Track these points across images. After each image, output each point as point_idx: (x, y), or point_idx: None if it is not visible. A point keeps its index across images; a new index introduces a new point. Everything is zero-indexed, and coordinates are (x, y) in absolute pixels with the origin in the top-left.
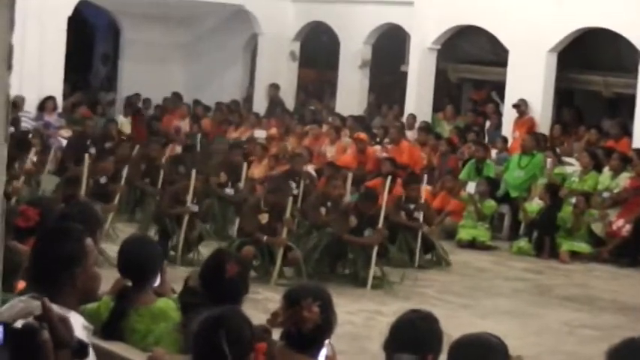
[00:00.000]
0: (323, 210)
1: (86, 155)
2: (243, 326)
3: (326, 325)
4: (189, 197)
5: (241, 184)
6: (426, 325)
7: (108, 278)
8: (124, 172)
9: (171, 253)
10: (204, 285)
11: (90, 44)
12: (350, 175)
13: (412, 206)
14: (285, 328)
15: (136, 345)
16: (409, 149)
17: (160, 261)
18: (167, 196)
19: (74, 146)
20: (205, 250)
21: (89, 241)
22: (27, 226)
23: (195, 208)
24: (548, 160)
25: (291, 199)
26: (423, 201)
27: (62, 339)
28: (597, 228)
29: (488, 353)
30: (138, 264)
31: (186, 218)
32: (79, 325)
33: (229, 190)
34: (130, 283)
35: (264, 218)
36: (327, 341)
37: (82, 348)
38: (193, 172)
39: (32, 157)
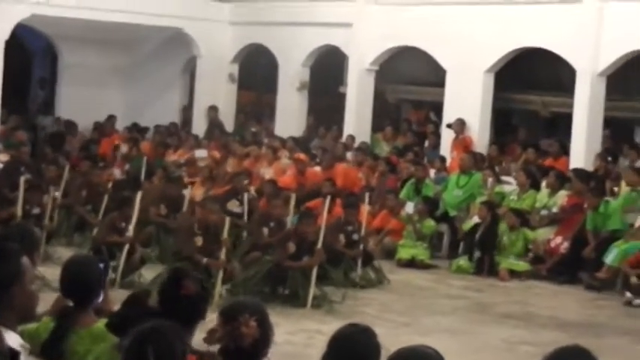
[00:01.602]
0: (266, 230)
1: (21, 178)
2: (173, 341)
3: (264, 339)
4: (134, 221)
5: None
6: (365, 338)
7: (47, 302)
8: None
9: (112, 275)
10: (160, 302)
11: (27, 68)
12: (293, 196)
13: (350, 228)
14: (223, 345)
15: None
16: (344, 172)
17: (102, 281)
18: (104, 225)
19: (9, 172)
20: (148, 272)
21: (25, 259)
22: None
23: (130, 234)
24: (489, 180)
25: (228, 219)
26: (363, 223)
27: None
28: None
29: None
30: (81, 284)
31: (126, 247)
32: (16, 344)
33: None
34: (71, 304)
35: (198, 241)
36: (266, 358)
37: (13, 356)
38: (138, 195)
39: None
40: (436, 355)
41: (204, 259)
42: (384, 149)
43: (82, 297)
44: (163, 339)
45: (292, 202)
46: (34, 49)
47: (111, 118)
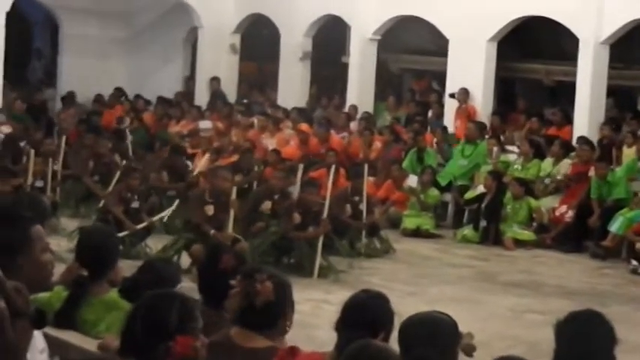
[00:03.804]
0: (269, 203)
1: (30, 150)
2: (167, 312)
3: (278, 306)
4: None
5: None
6: (377, 304)
7: (54, 272)
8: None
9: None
10: (200, 277)
11: (27, 39)
12: (300, 167)
13: (357, 198)
14: (238, 304)
15: (87, 334)
16: (338, 146)
17: (118, 252)
18: (113, 196)
19: (10, 143)
20: (153, 243)
21: (37, 228)
22: None
23: (136, 204)
24: (494, 149)
25: (234, 188)
26: (364, 193)
27: (18, 308)
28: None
29: (439, 329)
30: (98, 255)
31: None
32: None
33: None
34: (85, 273)
35: (209, 210)
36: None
37: (40, 316)
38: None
39: None
40: (449, 320)
41: (212, 231)
42: (387, 119)
43: (98, 267)
44: (155, 307)
45: (299, 173)
46: (33, 20)
47: (116, 91)
